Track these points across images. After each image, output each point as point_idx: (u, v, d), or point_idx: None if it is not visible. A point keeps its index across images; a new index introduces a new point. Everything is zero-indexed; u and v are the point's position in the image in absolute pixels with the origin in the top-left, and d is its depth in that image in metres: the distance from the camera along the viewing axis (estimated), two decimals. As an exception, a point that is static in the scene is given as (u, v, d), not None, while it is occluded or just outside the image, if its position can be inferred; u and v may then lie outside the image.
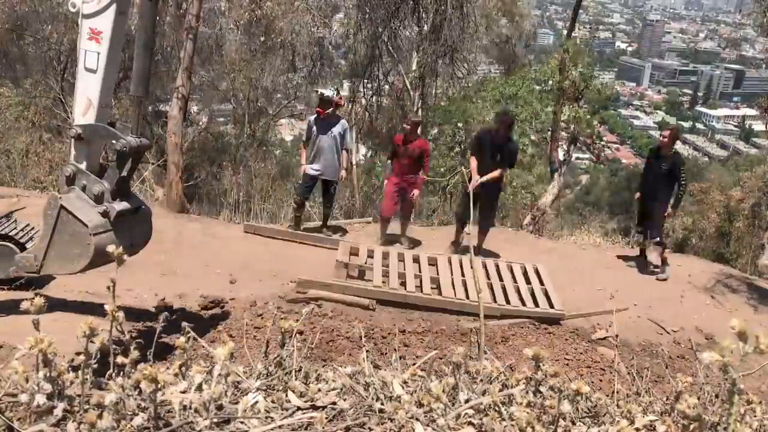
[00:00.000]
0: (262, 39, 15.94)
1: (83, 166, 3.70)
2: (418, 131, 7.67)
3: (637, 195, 7.93)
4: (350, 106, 16.62)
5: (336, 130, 7.40)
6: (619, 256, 8.26)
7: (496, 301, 6.13)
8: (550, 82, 13.13)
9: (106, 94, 3.62)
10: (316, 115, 7.45)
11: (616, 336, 5.87)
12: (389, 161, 7.54)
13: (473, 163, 7.29)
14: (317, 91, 7.98)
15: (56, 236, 3.63)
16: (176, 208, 8.56)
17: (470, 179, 7.04)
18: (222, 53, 15.88)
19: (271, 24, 15.11)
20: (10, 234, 4.73)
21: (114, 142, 3.61)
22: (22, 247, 4.55)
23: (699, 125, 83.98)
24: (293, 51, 16.04)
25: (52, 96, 13.45)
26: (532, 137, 17.02)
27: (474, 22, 13.67)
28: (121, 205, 3.70)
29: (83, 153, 3.72)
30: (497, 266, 6.86)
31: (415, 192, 7.46)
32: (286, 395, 1.38)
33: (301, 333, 1.79)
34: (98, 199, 3.63)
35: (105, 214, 3.63)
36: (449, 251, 7.36)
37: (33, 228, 4.97)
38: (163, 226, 7.50)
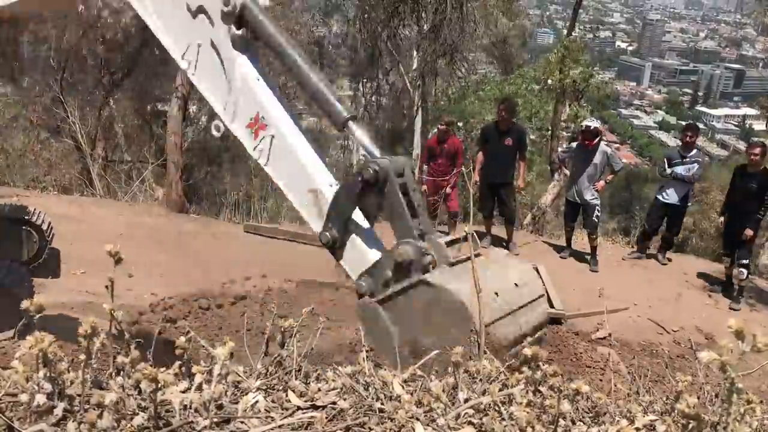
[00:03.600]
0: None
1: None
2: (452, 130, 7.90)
3: (721, 219, 7.38)
4: (350, 105, 16.61)
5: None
6: (618, 255, 8.27)
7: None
8: (550, 81, 13.13)
9: (320, 168, 2.49)
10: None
11: (609, 335, 5.88)
12: (425, 166, 7.69)
13: (479, 157, 7.65)
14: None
15: None
16: (176, 208, 8.57)
17: (470, 178, 7.26)
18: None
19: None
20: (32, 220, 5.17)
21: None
22: (42, 234, 5.07)
23: (699, 125, 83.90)
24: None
25: (51, 96, 13.44)
26: (532, 136, 17.02)
27: (474, 21, 13.66)
28: None
29: (342, 253, 2.54)
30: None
31: (453, 182, 7.69)
32: (286, 395, 1.38)
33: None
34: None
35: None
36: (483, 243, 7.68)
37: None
38: (163, 225, 7.52)
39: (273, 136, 2.32)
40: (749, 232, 6.81)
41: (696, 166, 7.40)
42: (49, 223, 5.64)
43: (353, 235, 2.32)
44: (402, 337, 2.16)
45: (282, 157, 2.32)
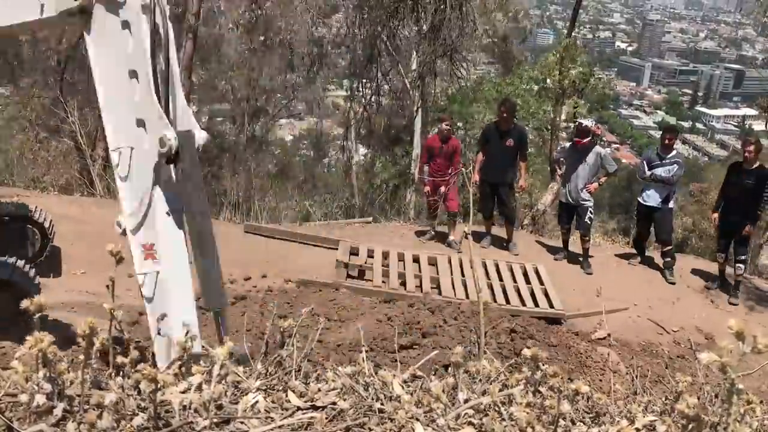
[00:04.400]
0: (262, 38, 15.93)
1: None
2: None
3: (714, 216, 7.48)
4: (349, 106, 16.63)
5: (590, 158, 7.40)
6: (618, 255, 8.27)
7: (496, 301, 6.13)
8: (548, 81, 13.14)
9: (190, 313, 2.57)
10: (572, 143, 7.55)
11: (609, 335, 5.89)
12: (426, 166, 7.65)
13: (479, 157, 7.71)
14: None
15: None
16: (176, 208, 8.55)
17: (470, 177, 7.25)
18: (221, 53, 15.87)
19: (271, 23, 15.11)
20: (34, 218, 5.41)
21: None
22: (41, 227, 5.34)
23: (699, 125, 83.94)
24: (292, 50, 16.05)
25: (51, 96, 13.43)
26: (531, 136, 17.00)
27: (473, 21, 13.67)
28: None
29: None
30: (497, 266, 6.86)
31: (451, 182, 7.62)
32: (286, 395, 1.38)
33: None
34: None
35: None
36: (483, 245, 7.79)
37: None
38: (162, 225, 7.52)
39: (157, 273, 2.48)
40: (749, 228, 6.87)
41: (675, 167, 7.36)
42: (51, 221, 5.71)
43: None
44: None
45: (161, 291, 2.49)
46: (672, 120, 74.03)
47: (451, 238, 7.70)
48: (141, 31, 2.46)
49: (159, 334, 2.41)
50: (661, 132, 8.34)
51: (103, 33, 2.55)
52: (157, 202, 2.43)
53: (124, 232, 2.52)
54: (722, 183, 7.53)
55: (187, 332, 1.83)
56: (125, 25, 2.49)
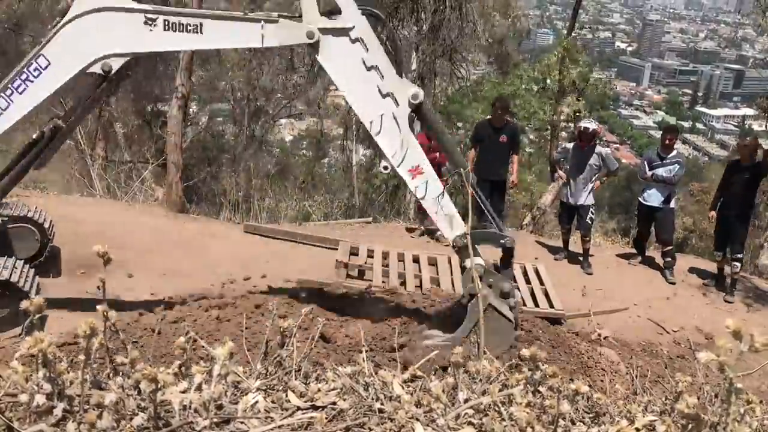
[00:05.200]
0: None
1: (487, 266, 4.06)
2: None
3: (712, 213, 7.51)
4: (349, 106, 16.54)
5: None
6: (618, 255, 8.27)
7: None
8: (548, 81, 13.16)
9: (449, 202, 4.07)
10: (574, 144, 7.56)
11: (607, 336, 5.88)
12: None
13: (471, 154, 7.74)
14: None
15: (477, 328, 3.86)
16: (176, 208, 8.57)
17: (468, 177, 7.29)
18: (221, 53, 15.86)
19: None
20: (29, 216, 5.44)
21: (502, 241, 4.10)
22: (40, 227, 5.40)
23: (699, 125, 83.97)
24: (292, 50, 16.03)
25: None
26: (531, 136, 17.04)
27: (473, 22, 13.68)
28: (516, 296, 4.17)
29: (468, 255, 3.96)
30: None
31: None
32: (286, 395, 1.38)
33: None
34: (505, 295, 4.04)
35: (512, 308, 4.03)
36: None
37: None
38: (163, 226, 7.52)
39: (427, 181, 4.01)
40: (744, 232, 7.12)
41: (677, 167, 7.37)
42: (51, 221, 5.71)
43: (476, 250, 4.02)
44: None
45: (432, 192, 4.01)
46: (672, 120, 74.07)
47: (439, 232, 7.77)
48: (372, 38, 3.77)
49: (436, 213, 4.02)
50: (661, 132, 8.33)
51: (339, 54, 3.78)
52: (410, 140, 3.91)
53: (391, 170, 3.97)
54: (720, 181, 7.60)
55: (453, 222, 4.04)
56: (355, 40, 3.75)
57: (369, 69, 3.72)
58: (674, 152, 7.51)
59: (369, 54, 3.71)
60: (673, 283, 7.45)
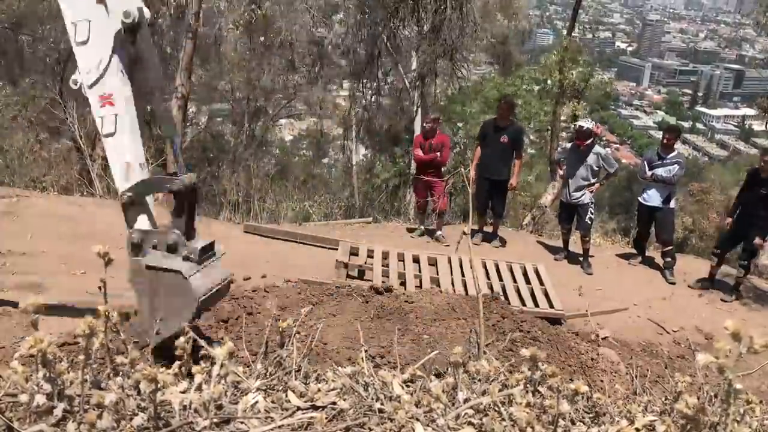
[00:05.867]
0: (262, 38, 15.94)
1: (146, 226, 3.33)
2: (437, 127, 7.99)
3: (728, 220, 7.38)
4: (350, 106, 16.61)
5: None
6: (618, 255, 8.27)
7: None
8: (549, 81, 13.16)
9: (138, 149, 3.31)
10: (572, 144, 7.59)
11: (606, 337, 5.88)
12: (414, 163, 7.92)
13: (477, 151, 7.95)
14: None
15: (155, 300, 3.35)
16: (176, 208, 8.55)
17: (469, 177, 7.39)
18: (221, 53, 15.87)
19: (271, 23, 15.12)
20: None
21: (168, 186, 3.33)
22: None
23: (699, 125, 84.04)
24: (292, 50, 16.05)
25: (51, 95, 13.44)
26: (532, 136, 17.03)
27: (473, 22, 13.68)
28: (199, 243, 3.31)
29: (138, 214, 3.35)
30: (497, 266, 6.86)
31: (438, 194, 7.78)
32: (286, 395, 1.38)
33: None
34: (171, 248, 3.27)
35: (187, 257, 3.25)
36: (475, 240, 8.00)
37: None
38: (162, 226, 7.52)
39: (116, 115, 3.24)
40: (759, 241, 6.90)
41: (676, 167, 7.35)
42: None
43: (145, 206, 3.30)
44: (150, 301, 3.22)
45: (118, 131, 3.27)
46: (672, 120, 74.09)
47: (438, 232, 7.95)
48: None
49: (114, 155, 3.24)
50: (661, 132, 8.32)
51: None
52: (114, 63, 3.15)
53: (80, 87, 3.19)
54: (739, 189, 7.53)
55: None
56: None
57: None
58: (674, 152, 7.51)
59: None
60: (673, 283, 7.45)
